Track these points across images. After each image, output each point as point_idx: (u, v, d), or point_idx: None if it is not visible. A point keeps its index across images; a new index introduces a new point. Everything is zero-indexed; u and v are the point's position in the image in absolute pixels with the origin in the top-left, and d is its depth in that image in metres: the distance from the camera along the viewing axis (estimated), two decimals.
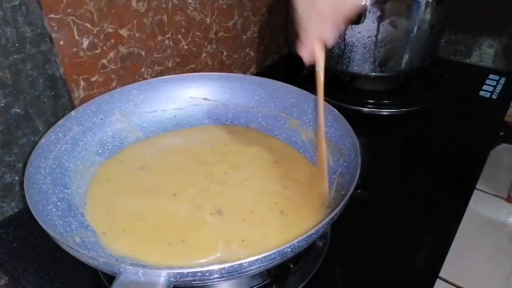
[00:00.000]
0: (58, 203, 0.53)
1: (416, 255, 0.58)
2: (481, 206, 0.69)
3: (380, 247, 0.58)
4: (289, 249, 0.40)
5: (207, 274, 0.37)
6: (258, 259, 0.38)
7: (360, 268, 0.56)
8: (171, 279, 0.36)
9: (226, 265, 0.36)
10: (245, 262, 0.37)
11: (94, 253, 0.46)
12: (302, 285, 0.52)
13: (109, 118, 0.65)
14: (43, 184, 0.53)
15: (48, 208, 0.50)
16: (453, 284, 0.58)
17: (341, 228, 0.53)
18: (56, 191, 0.54)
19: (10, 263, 0.56)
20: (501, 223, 0.68)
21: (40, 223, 0.43)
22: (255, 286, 0.52)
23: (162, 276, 0.36)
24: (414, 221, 0.63)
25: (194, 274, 0.36)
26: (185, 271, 0.36)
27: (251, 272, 0.40)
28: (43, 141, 0.55)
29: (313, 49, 0.49)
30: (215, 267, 0.36)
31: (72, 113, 0.60)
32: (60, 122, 0.58)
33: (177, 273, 0.36)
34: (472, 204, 0.65)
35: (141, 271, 0.36)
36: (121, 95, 0.66)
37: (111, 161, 0.63)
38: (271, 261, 0.40)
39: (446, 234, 0.60)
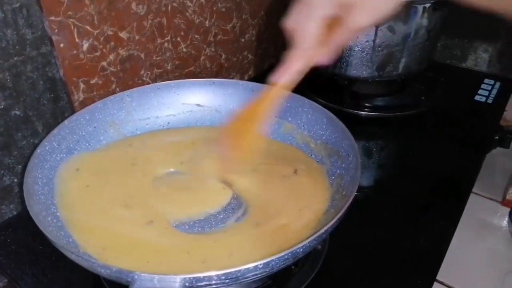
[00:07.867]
0: (58, 213, 0.52)
1: (413, 258, 0.58)
2: (476, 209, 0.70)
3: (377, 250, 0.59)
4: (301, 250, 0.40)
5: (223, 277, 0.36)
6: (272, 260, 0.38)
7: (359, 271, 0.56)
8: (186, 284, 0.36)
9: (242, 267, 0.36)
10: (260, 264, 0.37)
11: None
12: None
13: (103, 127, 0.65)
14: (41, 195, 0.52)
15: (49, 219, 0.50)
16: (448, 287, 0.58)
17: (338, 231, 0.53)
18: (55, 202, 0.53)
19: (8, 265, 0.56)
20: (496, 226, 0.68)
21: (45, 233, 0.43)
22: None
23: (177, 282, 0.36)
24: (411, 224, 0.63)
25: (209, 278, 0.36)
26: (201, 275, 0.35)
27: (265, 274, 0.40)
28: (38, 151, 0.55)
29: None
30: (230, 270, 0.36)
31: (66, 122, 0.60)
32: (54, 131, 0.58)
33: (193, 277, 0.36)
34: (467, 206, 0.66)
35: (156, 277, 0.36)
36: (114, 102, 0.66)
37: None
38: (284, 262, 0.40)
39: (443, 237, 0.61)
